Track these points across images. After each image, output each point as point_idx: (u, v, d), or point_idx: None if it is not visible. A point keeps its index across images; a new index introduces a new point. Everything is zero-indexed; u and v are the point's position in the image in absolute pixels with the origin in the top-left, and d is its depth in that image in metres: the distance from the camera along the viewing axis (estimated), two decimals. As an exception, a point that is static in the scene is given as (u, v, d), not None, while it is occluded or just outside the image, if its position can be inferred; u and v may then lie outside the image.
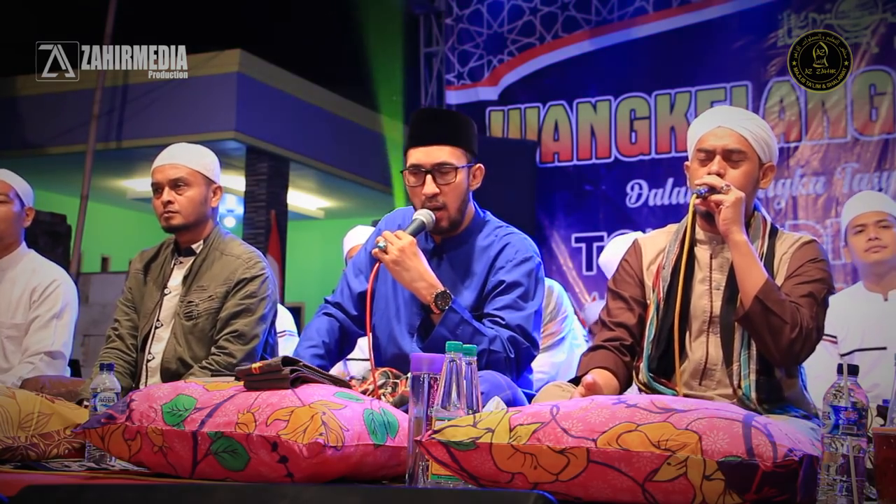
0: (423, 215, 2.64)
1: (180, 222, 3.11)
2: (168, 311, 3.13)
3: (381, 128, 11.03)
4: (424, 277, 2.57)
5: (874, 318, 3.46)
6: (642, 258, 2.56)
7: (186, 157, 3.15)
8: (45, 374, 3.44)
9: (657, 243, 2.56)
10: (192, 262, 3.14)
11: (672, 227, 2.58)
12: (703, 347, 2.41)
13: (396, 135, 11.04)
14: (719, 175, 2.40)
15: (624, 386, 2.47)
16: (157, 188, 3.13)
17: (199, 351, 3.05)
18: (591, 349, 2.53)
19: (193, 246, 3.17)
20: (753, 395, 2.31)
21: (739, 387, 2.33)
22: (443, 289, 2.56)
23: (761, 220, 2.49)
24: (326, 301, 2.88)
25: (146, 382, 3.07)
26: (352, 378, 2.79)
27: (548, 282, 4.08)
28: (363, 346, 3.69)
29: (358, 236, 4.47)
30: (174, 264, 3.18)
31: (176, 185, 3.10)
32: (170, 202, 3.09)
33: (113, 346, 3.17)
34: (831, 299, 3.76)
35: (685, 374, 2.41)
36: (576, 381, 2.42)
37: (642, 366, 2.44)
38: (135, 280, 3.24)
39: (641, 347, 2.48)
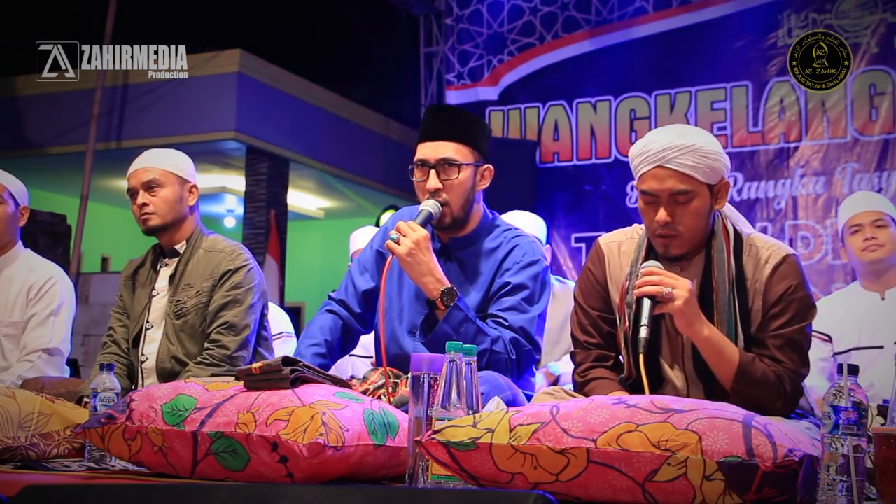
0: (430, 206, 2.64)
1: (158, 223, 3.14)
2: (157, 311, 3.17)
3: (381, 128, 11.03)
4: (433, 273, 2.57)
5: (871, 316, 3.47)
6: (606, 267, 2.41)
7: (157, 159, 3.19)
8: (43, 371, 3.44)
9: (621, 247, 2.41)
10: (176, 262, 3.18)
11: (637, 231, 2.43)
12: (681, 377, 2.31)
13: (395, 135, 11.05)
14: (668, 223, 2.23)
15: None
16: (133, 193, 3.18)
17: (192, 347, 3.08)
18: (589, 370, 2.40)
19: (177, 247, 3.20)
20: None
21: None
22: (450, 285, 2.57)
23: (723, 237, 2.30)
24: (330, 297, 2.88)
25: (142, 383, 3.10)
26: (352, 378, 2.78)
27: (572, 286, 4.07)
28: (365, 343, 3.68)
29: (365, 238, 4.46)
30: (160, 266, 3.22)
31: (149, 186, 3.14)
32: (145, 204, 3.14)
33: (109, 351, 3.22)
34: (827, 299, 3.75)
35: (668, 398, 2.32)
36: None
37: None
38: (125, 288, 3.29)
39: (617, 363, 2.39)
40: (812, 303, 2.29)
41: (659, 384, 2.30)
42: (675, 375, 2.31)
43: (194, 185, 3.24)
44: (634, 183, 2.34)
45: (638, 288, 2.20)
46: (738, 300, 2.25)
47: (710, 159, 2.23)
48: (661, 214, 2.23)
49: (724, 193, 2.29)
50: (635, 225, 2.47)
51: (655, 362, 2.30)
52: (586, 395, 2.32)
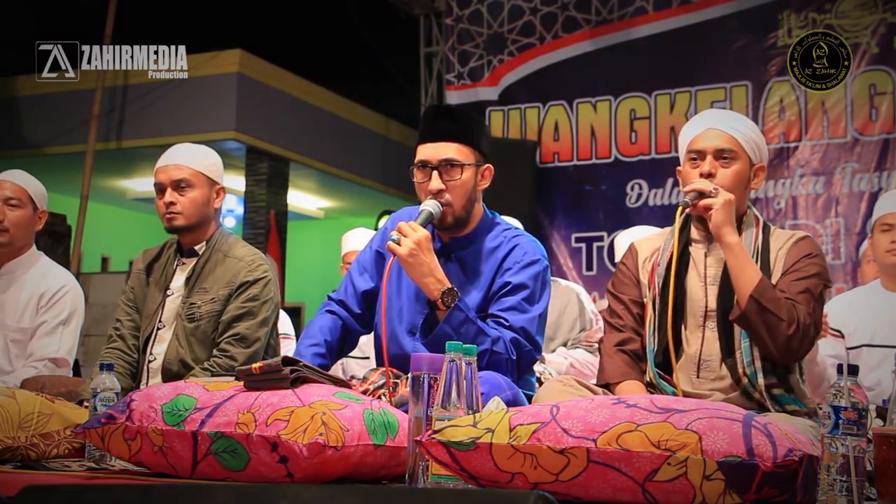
0: (431, 206, 2.63)
1: (183, 223, 3.10)
2: (170, 312, 3.12)
3: (381, 128, 11.02)
4: (434, 273, 2.56)
5: (887, 315, 3.45)
6: (638, 258, 2.61)
7: (189, 157, 3.14)
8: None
9: (652, 243, 2.62)
10: (194, 263, 3.14)
11: (667, 230, 2.62)
12: (698, 341, 2.44)
13: (395, 135, 11.05)
14: (710, 175, 2.44)
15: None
16: (160, 189, 3.12)
17: (201, 353, 3.05)
18: (614, 355, 2.53)
19: (196, 247, 3.16)
20: (761, 380, 2.34)
21: (745, 374, 2.35)
22: (450, 286, 2.57)
23: (753, 217, 2.52)
24: (330, 298, 2.88)
25: (147, 383, 3.07)
26: (352, 378, 2.78)
27: (573, 286, 4.10)
28: (362, 344, 3.68)
29: (357, 240, 4.47)
30: (177, 265, 3.18)
31: (178, 186, 3.09)
32: (172, 203, 3.09)
33: (114, 346, 3.17)
34: (844, 294, 3.77)
35: (682, 367, 2.44)
36: (603, 386, 2.50)
37: (648, 364, 2.46)
38: (137, 280, 3.23)
39: (644, 346, 2.50)
40: (829, 277, 2.46)
41: (676, 354, 2.43)
42: (693, 339, 2.45)
43: (222, 188, 3.20)
44: (681, 156, 2.56)
45: (689, 186, 2.44)
46: (761, 267, 2.41)
47: (755, 134, 2.50)
48: (705, 168, 2.46)
49: (760, 176, 2.53)
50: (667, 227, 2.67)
51: (677, 329, 2.45)
52: (603, 374, 2.53)
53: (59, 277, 3.58)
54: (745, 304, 2.32)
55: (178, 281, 3.15)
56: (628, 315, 2.56)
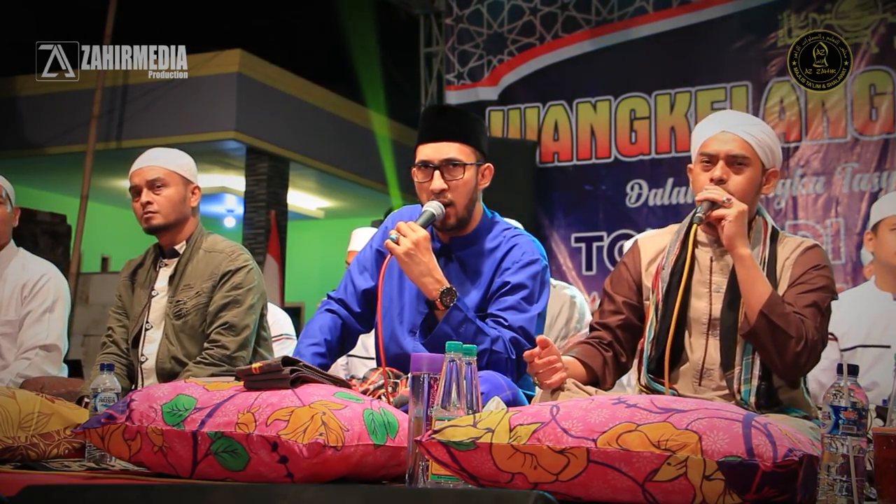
0: (433, 207, 2.63)
1: (160, 222, 3.15)
2: (157, 312, 3.17)
3: (381, 128, 11.02)
4: (433, 273, 2.56)
5: (881, 316, 3.45)
6: (641, 260, 2.54)
7: (162, 158, 3.20)
8: (41, 367, 3.47)
9: (657, 243, 2.54)
10: (176, 262, 3.19)
11: (673, 227, 2.56)
12: (702, 348, 2.40)
13: (395, 135, 11.04)
14: (722, 181, 2.39)
15: (601, 376, 2.46)
16: (136, 191, 3.18)
17: (192, 348, 3.08)
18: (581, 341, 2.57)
19: (177, 247, 3.21)
20: (752, 399, 2.31)
21: (738, 391, 2.32)
22: (449, 286, 2.56)
23: (762, 224, 2.46)
24: (329, 297, 2.88)
25: (142, 384, 3.10)
26: (352, 378, 2.78)
27: (569, 291, 4.09)
28: (365, 343, 3.68)
29: (365, 237, 4.48)
30: (159, 267, 3.22)
31: (153, 185, 3.15)
32: (149, 203, 3.14)
33: (108, 351, 3.23)
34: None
35: (684, 374, 2.41)
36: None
37: (642, 368, 2.44)
38: (123, 288, 3.30)
39: (640, 349, 2.48)
40: (835, 289, 2.42)
41: (677, 360, 2.40)
42: (697, 346, 2.40)
43: (197, 187, 3.25)
44: (693, 155, 2.50)
45: (701, 194, 2.39)
46: (767, 277, 2.37)
47: (769, 139, 2.44)
48: (716, 173, 2.40)
49: (773, 181, 2.48)
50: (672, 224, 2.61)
51: (680, 337, 2.41)
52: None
53: (39, 267, 3.65)
54: (755, 320, 2.27)
55: (162, 281, 3.20)
56: (612, 316, 2.52)
